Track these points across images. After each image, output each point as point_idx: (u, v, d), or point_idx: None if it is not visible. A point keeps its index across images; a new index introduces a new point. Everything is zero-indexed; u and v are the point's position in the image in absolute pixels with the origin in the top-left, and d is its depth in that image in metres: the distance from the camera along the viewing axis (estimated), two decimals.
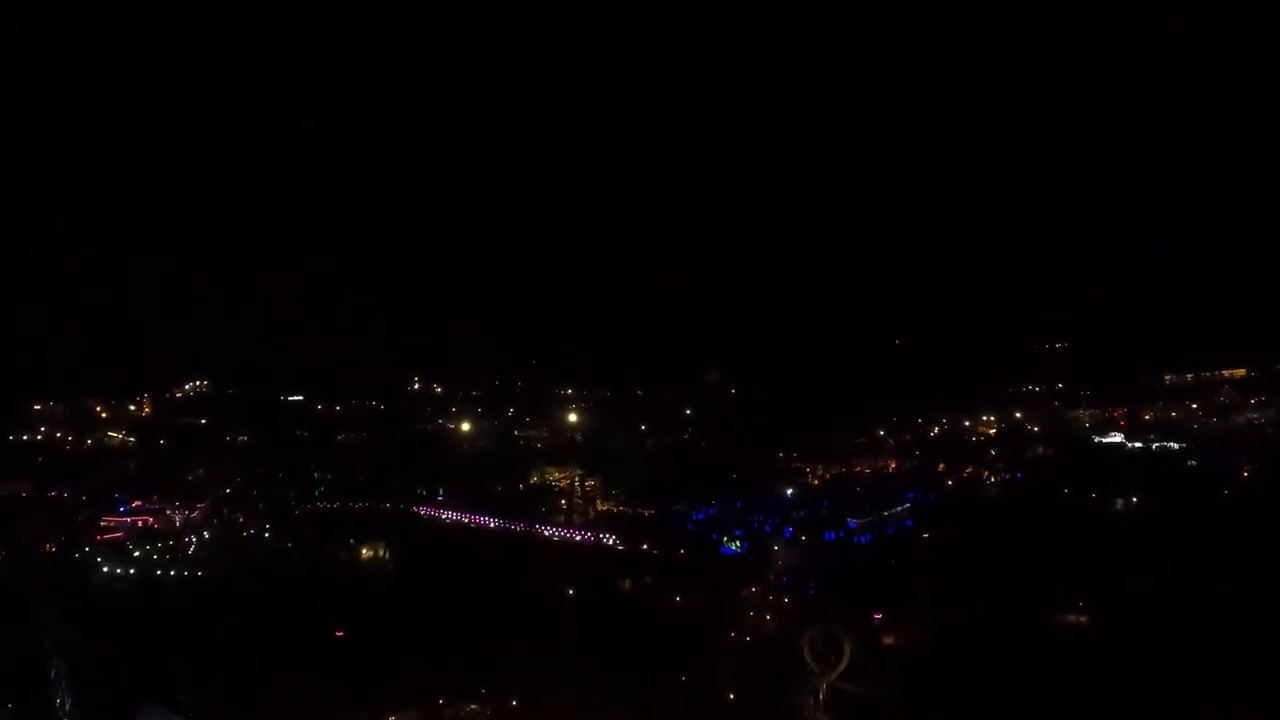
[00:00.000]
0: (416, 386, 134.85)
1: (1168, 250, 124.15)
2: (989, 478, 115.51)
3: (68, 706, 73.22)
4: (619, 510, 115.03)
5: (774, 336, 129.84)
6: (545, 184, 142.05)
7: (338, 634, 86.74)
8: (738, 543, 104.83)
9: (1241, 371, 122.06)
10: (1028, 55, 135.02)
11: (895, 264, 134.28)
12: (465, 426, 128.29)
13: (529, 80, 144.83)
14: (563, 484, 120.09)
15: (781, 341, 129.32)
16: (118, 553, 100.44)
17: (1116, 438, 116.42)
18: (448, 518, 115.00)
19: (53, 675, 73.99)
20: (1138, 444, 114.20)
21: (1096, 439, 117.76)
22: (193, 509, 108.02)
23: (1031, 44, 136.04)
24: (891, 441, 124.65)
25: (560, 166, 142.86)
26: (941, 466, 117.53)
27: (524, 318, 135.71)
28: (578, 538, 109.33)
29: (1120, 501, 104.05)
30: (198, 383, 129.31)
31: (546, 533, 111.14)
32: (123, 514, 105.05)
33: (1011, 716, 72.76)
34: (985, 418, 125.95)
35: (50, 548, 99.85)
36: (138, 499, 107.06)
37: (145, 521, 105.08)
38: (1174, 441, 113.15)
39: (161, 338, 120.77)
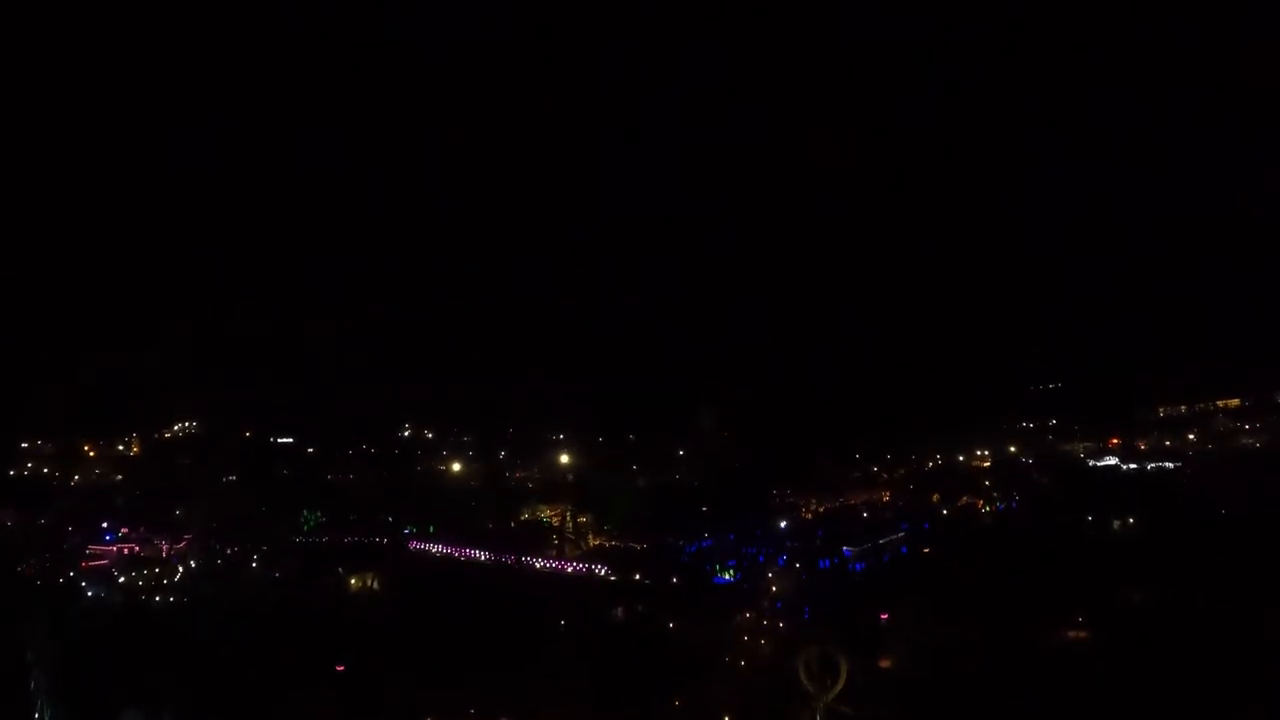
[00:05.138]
0: (408, 433, 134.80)
1: (1161, 284, 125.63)
2: (984, 507, 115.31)
3: None
4: (611, 545, 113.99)
5: (767, 371, 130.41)
6: (537, 221, 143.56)
7: (338, 668, 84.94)
8: (730, 572, 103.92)
9: (1235, 402, 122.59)
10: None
11: (890, 299, 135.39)
12: (456, 467, 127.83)
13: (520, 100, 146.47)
14: (554, 520, 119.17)
15: (775, 376, 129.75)
16: (103, 579, 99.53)
17: (1111, 460, 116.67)
18: (438, 551, 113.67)
19: (39, 701, 72.85)
20: (1133, 465, 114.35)
21: (1092, 463, 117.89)
22: (179, 540, 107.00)
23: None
24: (885, 475, 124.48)
25: (551, 203, 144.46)
26: (936, 497, 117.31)
27: (516, 358, 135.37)
28: (569, 569, 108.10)
29: (1117, 522, 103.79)
30: (187, 424, 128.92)
31: (538, 565, 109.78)
32: (109, 543, 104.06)
33: None
34: (980, 451, 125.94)
35: (35, 575, 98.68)
36: (125, 528, 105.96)
37: (132, 549, 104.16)
38: (1169, 461, 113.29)
39: (152, 379, 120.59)
